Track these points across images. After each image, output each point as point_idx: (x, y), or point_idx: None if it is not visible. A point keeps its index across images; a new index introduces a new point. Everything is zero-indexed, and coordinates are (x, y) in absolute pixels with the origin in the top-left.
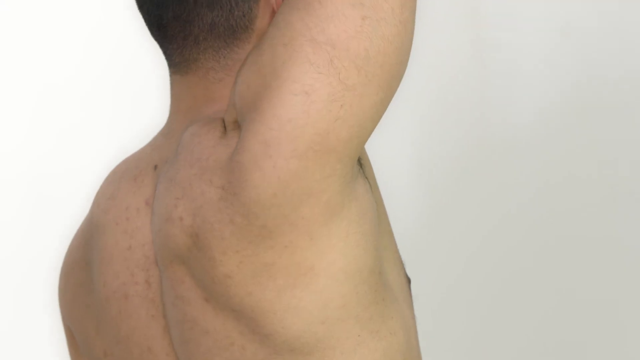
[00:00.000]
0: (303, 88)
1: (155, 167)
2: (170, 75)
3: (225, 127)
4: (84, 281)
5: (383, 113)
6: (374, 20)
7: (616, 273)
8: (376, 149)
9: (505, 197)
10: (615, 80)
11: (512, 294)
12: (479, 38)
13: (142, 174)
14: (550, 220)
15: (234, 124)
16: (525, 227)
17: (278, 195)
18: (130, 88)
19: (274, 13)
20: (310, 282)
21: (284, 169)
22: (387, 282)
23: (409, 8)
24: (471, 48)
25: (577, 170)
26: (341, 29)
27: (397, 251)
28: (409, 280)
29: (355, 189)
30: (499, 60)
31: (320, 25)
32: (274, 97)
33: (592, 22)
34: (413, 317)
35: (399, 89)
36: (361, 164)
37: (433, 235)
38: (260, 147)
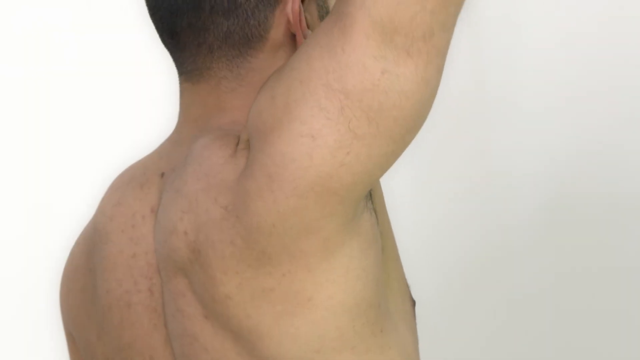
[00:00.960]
0: (310, 131)
1: (162, 174)
2: (181, 84)
3: (237, 144)
4: (86, 288)
5: (394, 162)
6: (394, 75)
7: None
8: None
9: (506, 201)
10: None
11: (516, 313)
12: (480, 55)
13: (149, 182)
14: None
15: (247, 143)
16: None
17: (277, 226)
18: (138, 95)
19: (289, 23)
20: (308, 313)
21: (283, 204)
22: (388, 310)
23: (435, 66)
24: (472, 64)
25: (577, 177)
26: (358, 79)
27: (402, 275)
28: (413, 303)
29: (359, 225)
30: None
31: (338, 72)
32: (283, 133)
33: (595, 34)
34: (415, 341)
35: None
36: (371, 194)
37: (435, 250)
38: (265, 180)
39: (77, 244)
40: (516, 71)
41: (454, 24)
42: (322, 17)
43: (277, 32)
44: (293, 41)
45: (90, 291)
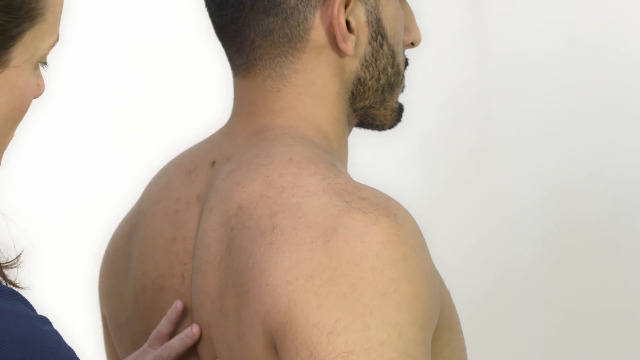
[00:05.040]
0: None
1: (213, 163)
2: (233, 77)
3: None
4: (121, 269)
5: None
6: None
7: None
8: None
9: (506, 202)
10: (617, 86)
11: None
12: (483, 48)
13: (198, 169)
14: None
15: None
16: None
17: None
18: (137, 95)
19: (331, 25)
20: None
21: (242, 325)
22: None
23: None
24: (476, 58)
25: (580, 176)
26: None
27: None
28: None
29: None
30: (504, 70)
31: None
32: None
33: (597, 32)
34: None
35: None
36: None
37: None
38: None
39: (120, 226)
40: (521, 89)
41: None
42: (370, 24)
43: (318, 34)
44: (336, 44)
45: (124, 273)
